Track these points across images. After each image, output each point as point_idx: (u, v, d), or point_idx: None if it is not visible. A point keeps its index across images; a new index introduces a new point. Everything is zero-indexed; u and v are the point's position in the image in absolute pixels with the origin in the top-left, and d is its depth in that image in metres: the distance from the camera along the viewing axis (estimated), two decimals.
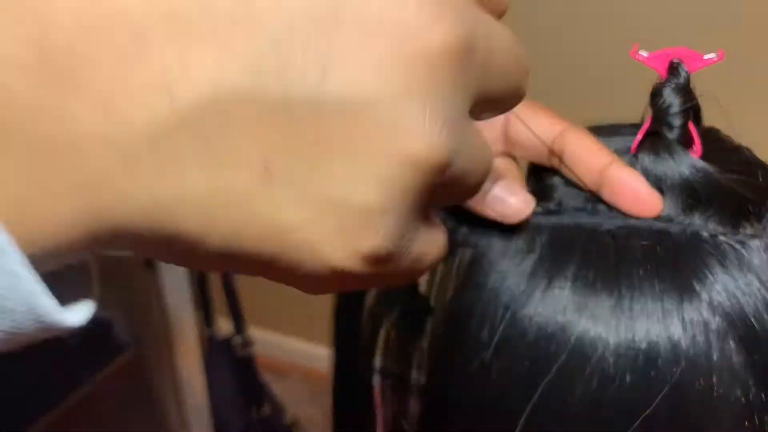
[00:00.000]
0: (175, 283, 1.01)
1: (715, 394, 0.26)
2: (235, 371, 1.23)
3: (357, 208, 0.18)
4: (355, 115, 0.17)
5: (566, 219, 0.30)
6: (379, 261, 0.19)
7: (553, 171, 0.31)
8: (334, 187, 0.18)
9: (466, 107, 0.19)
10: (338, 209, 0.18)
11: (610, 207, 0.29)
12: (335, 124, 0.17)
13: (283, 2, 0.16)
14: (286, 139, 0.17)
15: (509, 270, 0.29)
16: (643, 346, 0.27)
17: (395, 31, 0.17)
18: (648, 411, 0.26)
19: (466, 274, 0.30)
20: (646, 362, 0.26)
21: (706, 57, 0.31)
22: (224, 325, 1.35)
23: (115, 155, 0.16)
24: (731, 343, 0.26)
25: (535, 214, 0.31)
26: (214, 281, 1.25)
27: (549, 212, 0.30)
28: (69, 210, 0.16)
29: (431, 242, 0.21)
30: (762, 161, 0.31)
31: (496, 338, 0.28)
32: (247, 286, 1.30)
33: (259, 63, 0.16)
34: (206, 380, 1.11)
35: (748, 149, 0.32)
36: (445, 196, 0.22)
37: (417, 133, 0.17)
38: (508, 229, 0.30)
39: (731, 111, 0.34)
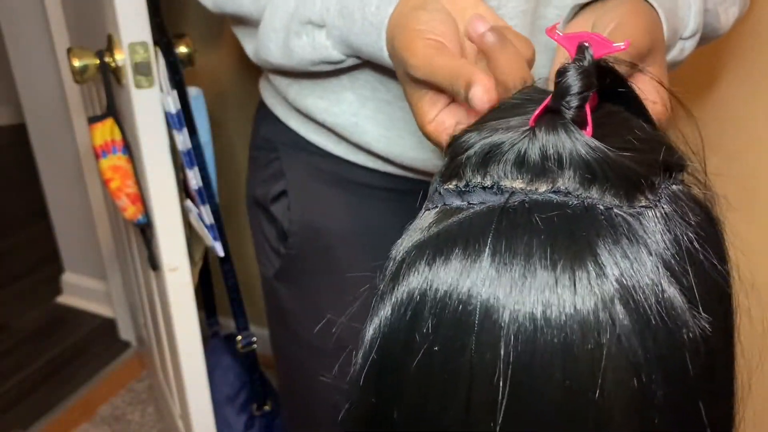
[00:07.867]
0: (178, 281, 1.03)
1: (602, 353, 0.28)
2: (238, 369, 1.25)
3: None
4: None
5: (475, 198, 0.32)
6: None
7: (464, 151, 0.33)
8: None
9: None
10: None
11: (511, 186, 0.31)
12: None
13: None
14: None
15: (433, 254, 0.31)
16: (538, 311, 0.28)
17: None
18: (543, 374, 0.28)
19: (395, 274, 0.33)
20: (541, 327, 0.28)
21: (615, 45, 0.33)
22: (227, 323, 1.38)
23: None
24: (619, 308, 0.28)
25: (448, 191, 0.33)
26: (217, 280, 1.28)
27: (460, 192, 0.32)
28: None
29: None
30: (652, 134, 0.32)
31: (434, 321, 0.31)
32: (248, 284, 1.33)
33: None
34: (209, 377, 1.12)
35: (643, 122, 0.33)
36: None
37: None
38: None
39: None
